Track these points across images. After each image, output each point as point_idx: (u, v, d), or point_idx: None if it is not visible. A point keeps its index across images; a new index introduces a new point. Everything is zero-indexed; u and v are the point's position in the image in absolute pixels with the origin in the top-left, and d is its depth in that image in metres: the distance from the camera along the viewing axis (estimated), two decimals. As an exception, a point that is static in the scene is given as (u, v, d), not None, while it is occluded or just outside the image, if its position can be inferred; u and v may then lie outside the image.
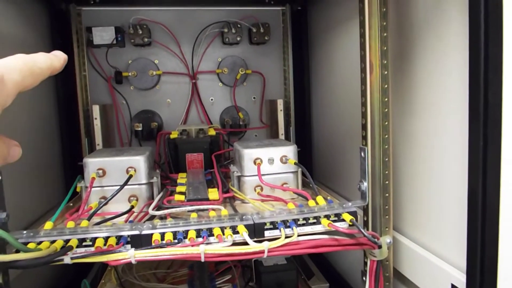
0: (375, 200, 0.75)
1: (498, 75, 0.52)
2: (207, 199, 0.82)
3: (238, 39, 1.34)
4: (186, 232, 0.66)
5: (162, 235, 0.65)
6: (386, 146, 0.73)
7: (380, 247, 0.71)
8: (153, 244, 0.64)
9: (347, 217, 0.70)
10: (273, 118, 1.34)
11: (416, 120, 0.75)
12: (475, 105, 0.54)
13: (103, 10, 1.28)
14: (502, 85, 0.51)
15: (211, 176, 1.05)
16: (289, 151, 0.90)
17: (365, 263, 0.77)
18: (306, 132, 1.40)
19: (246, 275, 1.08)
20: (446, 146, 0.67)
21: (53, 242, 0.62)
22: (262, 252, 0.64)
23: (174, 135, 1.16)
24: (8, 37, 0.91)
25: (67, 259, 0.60)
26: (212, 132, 1.18)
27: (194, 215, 0.73)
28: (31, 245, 0.61)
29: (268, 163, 0.89)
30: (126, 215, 0.78)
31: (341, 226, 0.70)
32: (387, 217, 0.75)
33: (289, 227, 0.69)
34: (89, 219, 0.73)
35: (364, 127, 0.75)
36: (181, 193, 0.86)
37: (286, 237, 0.66)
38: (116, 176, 0.83)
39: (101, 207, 0.78)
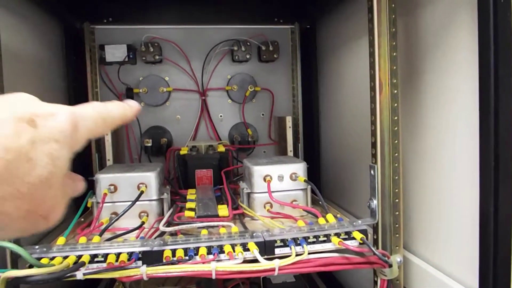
0: (385, 219, 0.75)
1: (508, 94, 0.52)
2: (217, 216, 0.82)
3: (248, 56, 1.36)
4: (197, 249, 0.66)
5: (173, 251, 0.65)
6: (396, 164, 0.74)
7: (390, 266, 0.71)
8: (164, 260, 0.64)
9: (358, 235, 0.70)
10: (282, 134, 1.35)
11: (426, 138, 0.75)
12: (485, 124, 0.55)
13: (116, 29, 1.31)
14: (512, 106, 0.52)
15: (220, 192, 1.05)
16: (299, 168, 0.91)
17: (375, 282, 0.77)
18: (315, 149, 1.40)
19: (254, 293, 1.07)
20: (457, 165, 0.67)
21: (65, 257, 0.62)
22: (273, 269, 0.64)
23: (184, 151, 1.17)
24: (23, 53, 0.94)
25: (79, 275, 0.60)
26: (221, 148, 1.19)
27: (204, 231, 0.74)
28: (44, 261, 0.62)
29: (277, 180, 0.89)
30: (137, 231, 0.78)
31: (352, 244, 0.70)
32: (397, 235, 0.75)
33: (299, 244, 0.69)
34: (100, 234, 0.74)
35: (373, 145, 0.75)
36: (191, 209, 0.87)
37: (297, 255, 0.66)
38: (127, 192, 0.84)
39: (113, 223, 0.78)
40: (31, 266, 0.59)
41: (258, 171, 0.89)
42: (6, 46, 0.70)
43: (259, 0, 1.36)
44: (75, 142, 0.29)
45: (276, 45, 1.36)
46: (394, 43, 0.72)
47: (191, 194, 1.02)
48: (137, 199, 0.81)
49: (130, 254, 0.64)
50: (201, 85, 1.37)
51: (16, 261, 0.66)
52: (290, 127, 1.31)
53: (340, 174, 1.22)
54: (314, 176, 1.37)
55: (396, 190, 0.74)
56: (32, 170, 0.25)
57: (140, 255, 0.65)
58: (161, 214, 0.87)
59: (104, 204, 0.82)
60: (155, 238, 0.75)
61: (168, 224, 0.80)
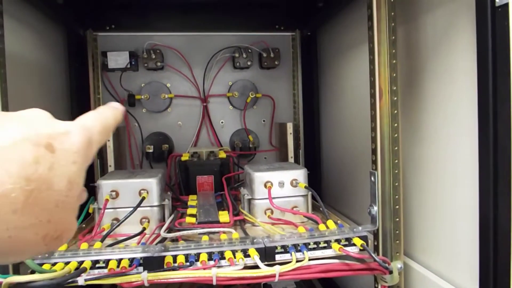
0: (385, 225, 0.75)
1: (506, 103, 0.53)
2: (218, 222, 0.82)
3: (249, 63, 1.37)
4: (198, 255, 0.66)
5: (174, 257, 0.66)
6: (396, 171, 0.74)
7: (391, 272, 0.71)
8: (165, 266, 0.64)
9: (358, 241, 0.71)
10: (283, 141, 1.35)
11: (427, 145, 0.76)
12: (484, 131, 0.55)
13: (118, 36, 1.32)
14: (511, 113, 0.52)
15: (221, 198, 1.06)
16: (300, 174, 0.91)
17: (376, 289, 0.77)
18: (315, 155, 1.41)
19: (255, 299, 1.07)
20: (457, 172, 0.67)
21: (67, 263, 0.63)
22: (273, 276, 0.64)
23: (185, 157, 1.17)
24: (27, 59, 0.95)
25: (81, 281, 0.60)
26: (222, 154, 1.19)
27: (205, 238, 0.74)
28: (45, 266, 0.62)
29: (278, 187, 0.90)
30: (138, 237, 0.78)
31: (352, 250, 0.70)
32: (397, 242, 0.75)
33: (300, 251, 0.69)
34: (102, 240, 0.74)
35: (374, 151, 0.76)
36: (192, 215, 0.87)
37: (297, 261, 0.66)
38: (129, 198, 0.84)
39: (114, 228, 0.79)
40: (33, 272, 0.60)
41: (259, 177, 0.90)
42: (11, 52, 0.71)
43: (260, 7, 1.37)
44: (88, 158, 0.29)
45: (277, 52, 1.37)
46: (394, 50, 0.73)
47: (192, 200, 1.02)
48: (138, 205, 0.81)
49: (132, 260, 0.65)
50: (202, 91, 1.38)
51: (18, 267, 0.66)
52: (291, 133, 1.32)
53: (341, 180, 1.22)
54: (315, 182, 1.38)
55: (397, 197, 0.75)
56: (51, 197, 0.25)
57: (141, 261, 0.65)
58: (162, 220, 0.88)
59: (106, 210, 0.82)
60: (156, 244, 0.75)
61: (169, 230, 0.80)
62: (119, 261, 0.64)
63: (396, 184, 0.74)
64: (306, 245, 0.70)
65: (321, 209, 0.88)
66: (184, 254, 0.66)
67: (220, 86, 1.39)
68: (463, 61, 0.64)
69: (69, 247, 0.74)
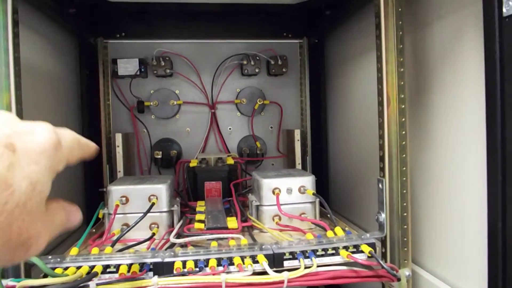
0: (393, 232, 0.75)
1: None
2: (227, 228, 0.83)
3: (257, 70, 1.38)
4: (207, 260, 0.67)
5: (184, 263, 0.66)
6: (404, 178, 0.74)
7: (399, 279, 0.71)
8: (174, 271, 0.65)
9: (366, 248, 0.71)
10: (290, 147, 1.36)
11: (434, 153, 0.76)
12: (492, 140, 0.56)
13: (128, 43, 1.34)
14: (519, 122, 0.53)
15: (229, 204, 1.06)
16: (307, 181, 0.91)
17: (384, 296, 0.77)
18: (323, 162, 1.41)
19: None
20: (465, 179, 0.67)
21: (79, 267, 0.64)
22: (282, 282, 0.64)
23: (193, 163, 1.18)
24: (39, 67, 0.97)
25: (92, 285, 0.61)
26: (230, 161, 1.20)
27: (214, 243, 0.75)
28: (58, 271, 0.63)
29: (286, 193, 0.90)
30: (147, 242, 0.79)
31: (360, 257, 0.70)
32: (405, 249, 0.75)
33: (308, 257, 0.70)
34: (112, 245, 0.75)
35: (381, 159, 0.76)
36: (200, 221, 0.88)
37: (306, 268, 0.67)
38: (139, 203, 0.85)
39: (124, 234, 0.80)
40: (45, 276, 0.61)
41: (267, 183, 0.90)
42: (24, 60, 0.72)
43: (268, 15, 1.39)
44: (57, 162, 0.27)
45: (285, 59, 1.38)
46: (401, 59, 0.73)
47: (200, 206, 1.03)
48: (148, 211, 0.83)
49: (142, 265, 0.66)
50: (210, 98, 1.39)
51: (29, 271, 0.67)
52: (298, 140, 1.32)
53: (348, 187, 1.22)
54: (323, 189, 1.38)
55: (404, 204, 0.75)
56: (10, 197, 0.23)
57: (151, 266, 0.66)
58: (171, 225, 0.88)
59: (116, 215, 0.83)
60: (165, 249, 0.76)
61: (178, 235, 0.81)
62: (130, 266, 0.65)
63: (404, 191, 0.75)
64: (314, 251, 0.70)
65: (328, 215, 0.88)
66: (193, 260, 0.67)
67: (228, 93, 1.41)
68: (471, 69, 0.65)
69: (80, 252, 0.75)
